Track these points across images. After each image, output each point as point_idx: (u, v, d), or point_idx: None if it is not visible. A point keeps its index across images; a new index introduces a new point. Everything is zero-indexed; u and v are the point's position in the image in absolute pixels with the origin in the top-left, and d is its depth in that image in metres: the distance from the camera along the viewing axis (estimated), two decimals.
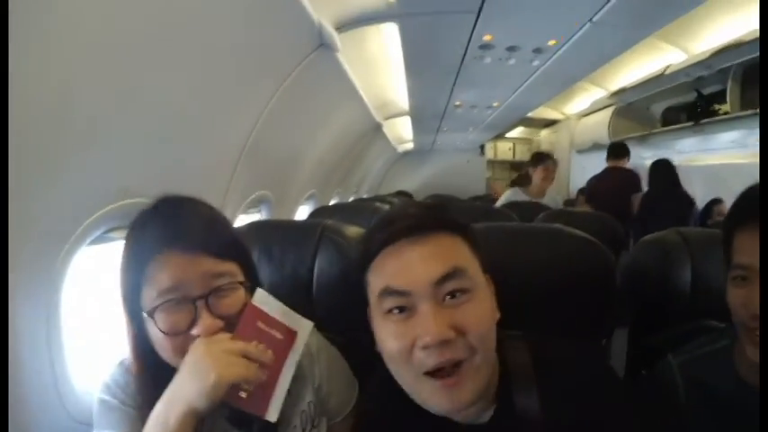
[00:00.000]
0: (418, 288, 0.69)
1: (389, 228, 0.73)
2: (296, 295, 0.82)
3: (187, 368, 0.71)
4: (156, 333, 0.74)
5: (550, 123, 7.73)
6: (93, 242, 1.14)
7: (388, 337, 0.71)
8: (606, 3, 1.93)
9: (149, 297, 0.74)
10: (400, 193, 6.38)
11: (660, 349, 1.05)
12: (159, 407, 0.70)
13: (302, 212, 3.14)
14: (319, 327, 0.90)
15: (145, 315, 0.74)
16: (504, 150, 9.91)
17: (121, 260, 0.77)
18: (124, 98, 1.09)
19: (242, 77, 1.61)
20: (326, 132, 3.08)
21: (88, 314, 1.30)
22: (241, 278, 0.81)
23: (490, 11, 2.00)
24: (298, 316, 0.83)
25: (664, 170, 3.84)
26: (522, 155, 9.87)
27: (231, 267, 0.79)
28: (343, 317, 0.83)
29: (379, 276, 0.73)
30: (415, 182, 8.39)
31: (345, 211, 2.49)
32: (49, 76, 0.88)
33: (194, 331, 0.74)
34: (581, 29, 2.25)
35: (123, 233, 1.26)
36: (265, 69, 1.76)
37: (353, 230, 1.20)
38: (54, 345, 1.02)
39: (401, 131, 6.02)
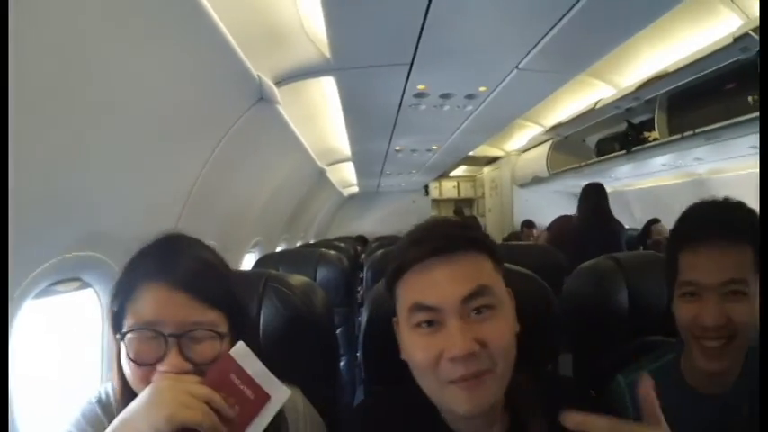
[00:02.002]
0: (447, 305, 0.73)
1: (420, 247, 0.77)
2: None
3: (144, 397, 0.70)
4: (125, 358, 0.76)
5: (492, 160, 7.96)
6: (38, 295, 1.10)
7: (417, 348, 0.76)
8: (530, 51, 2.05)
9: (128, 322, 0.76)
10: (359, 238, 6.86)
11: (606, 369, 1.10)
12: (110, 428, 0.70)
13: (249, 260, 3.11)
14: None
15: (119, 337, 0.77)
16: (448, 189, 10.17)
17: (116, 282, 0.81)
18: (69, 151, 1.08)
19: (184, 131, 1.62)
20: (270, 181, 3.09)
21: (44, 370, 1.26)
22: (223, 329, 0.80)
23: (422, 62, 2.10)
24: (276, 381, 0.80)
25: (594, 194, 3.60)
26: (467, 192, 10.16)
27: (214, 316, 0.79)
28: (292, 366, 0.83)
29: (410, 292, 0.78)
30: (364, 224, 8.46)
31: (290, 259, 2.49)
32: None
33: (160, 367, 0.74)
34: (508, 75, 2.37)
35: (70, 286, 1.22)
36: (207, 123, 1.78)
37: (297, 279, 1.21)
38: None
39: (345, 176, 6.08)
